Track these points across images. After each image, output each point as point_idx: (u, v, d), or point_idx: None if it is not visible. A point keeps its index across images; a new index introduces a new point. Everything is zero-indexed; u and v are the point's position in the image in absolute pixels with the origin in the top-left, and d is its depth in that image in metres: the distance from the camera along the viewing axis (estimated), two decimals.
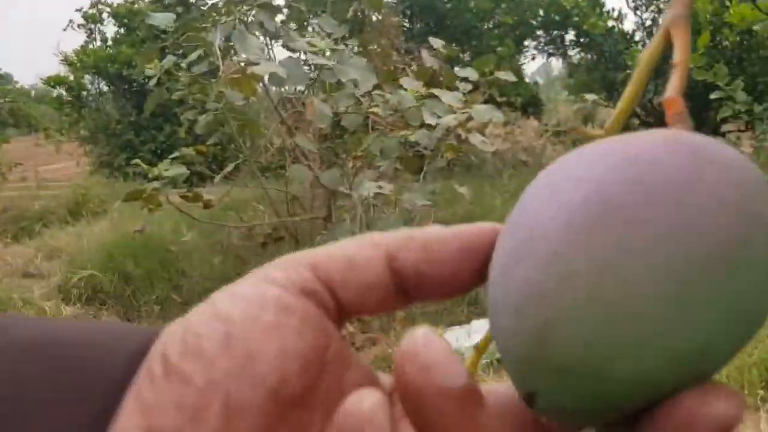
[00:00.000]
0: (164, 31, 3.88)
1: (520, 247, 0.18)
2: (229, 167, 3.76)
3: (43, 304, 3.83)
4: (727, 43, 6.24)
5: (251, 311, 0.18)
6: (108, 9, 9.95)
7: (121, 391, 0.18)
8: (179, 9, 6.63)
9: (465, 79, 3.92)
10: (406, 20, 7.69)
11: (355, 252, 0.21)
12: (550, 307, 0.17)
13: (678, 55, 0.24)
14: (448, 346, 0.17)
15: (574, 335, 0.16)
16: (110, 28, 10.26)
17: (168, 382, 0.17)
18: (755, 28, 5.51)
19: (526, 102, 6.84)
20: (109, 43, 9.99)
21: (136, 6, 9.42)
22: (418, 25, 7.65)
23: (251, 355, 0.18)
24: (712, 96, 4.59)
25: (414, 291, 0.21)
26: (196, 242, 4.17)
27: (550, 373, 0.17)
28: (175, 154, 4.04)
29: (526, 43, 8.03)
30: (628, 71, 7.43)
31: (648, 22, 7.59)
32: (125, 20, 9.53)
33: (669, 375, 0.16)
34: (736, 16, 6.40)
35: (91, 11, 10.26)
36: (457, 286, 0.21)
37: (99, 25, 10.31)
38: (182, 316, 0.20)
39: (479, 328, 3.51)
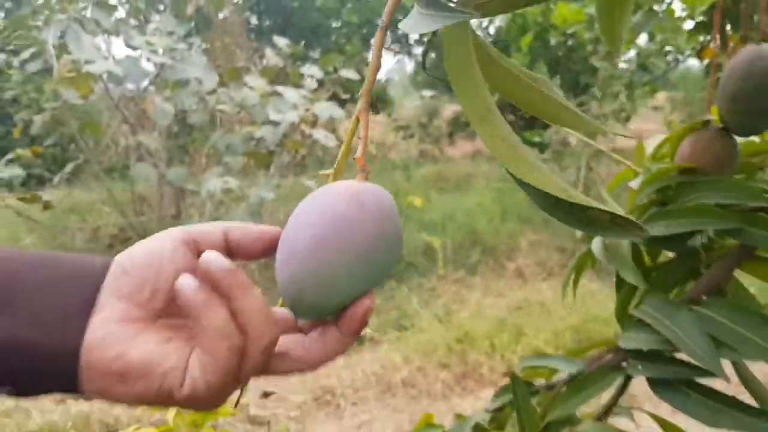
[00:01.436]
0: None
1: (287, 255, 0.38)
2: (68, 168, 3.65)
3: None
4: (552, 42, 6.84)
5: (157, 248, 0.40)
6: None
7: (98, 290, 0.38)
8: (8, 4, 6.20)
9: (311, 77, 4.03)
10: (255, 17, 7.70)
11: (210, 229, 0.43)
12: (300, 285, 0.38)
13: (362, 133, 0.42)
14: (220, 257, 0.37)
15: (309, 294, 0.38)
16: None
17: (124, 278, 0.39)
18: (576, 29, 6.09)
19: (374, 99, 7.12)
20: None
21: None
22: (267, 23, 7.69)
23: (159, 269, 0.39)
24: None
25: (236, 252, 0.42)
26: (37, 246, 4.00)
27: (304, 309, 0.39)
28: (10, 156, 3.86)
29: (372, 41, 8.24)
30: None
31: (485, 23, 8.13)
32: None
33: (349, 299, 0.39)
34: (559, 17, 7.03)
35: None
36: (258, 255, 0.43)
37: None
38: None
39: None
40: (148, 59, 3.63)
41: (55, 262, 0.39)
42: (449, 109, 8.57)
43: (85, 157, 4.10)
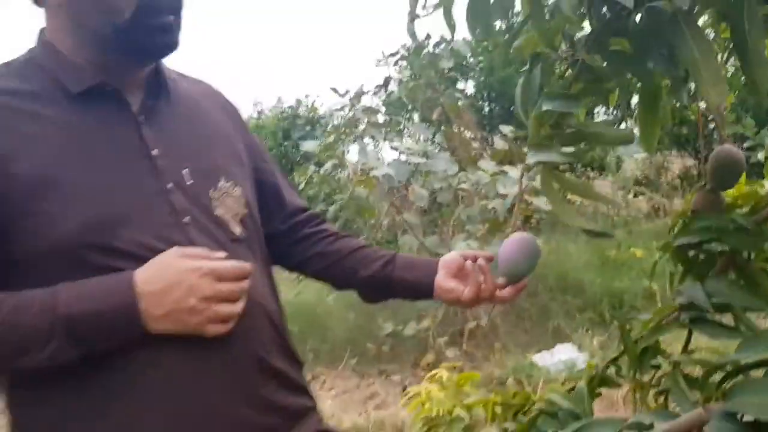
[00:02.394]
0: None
1: (502, 259, 1.00)
2: None
3: None
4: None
5: (451, 256, 1.06)
6: None
7: (437, 267, 1.05)
8: (308, 127, 8.14)
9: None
10: (486, 104, 8.86)
11: (469, 251, 1.09)
12: (507, 269, 0.99)
13: (518, 215, 1.36)
14: (484, 261, 1.03)
15: (509, 272, 0.99)
16: None
17: (443, 263, 1.06)
18: None
19: (597, 164, 7.73)
20: None
21: (260, 121, 11.17)
22: (496, 108, 8.80)
23: (452, 262, 1.05)
24: (745, 145, 5.32)
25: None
26: (336, 304, 5.32)
27: (508, 278, 0.99)
28: None
29: (596, 109, 8.83)
30: (691, 125, 8.11)
31: None
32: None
33: (520, 278, 1.01)
34: None
35: None
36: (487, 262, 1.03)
37: None
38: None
39: (560, 349, 4.41)
40: (407, 157, 4.83)
41: (419, 257, 1.17)
42: (679, 164, 8.77)
43: (364, 235, 5.37)
